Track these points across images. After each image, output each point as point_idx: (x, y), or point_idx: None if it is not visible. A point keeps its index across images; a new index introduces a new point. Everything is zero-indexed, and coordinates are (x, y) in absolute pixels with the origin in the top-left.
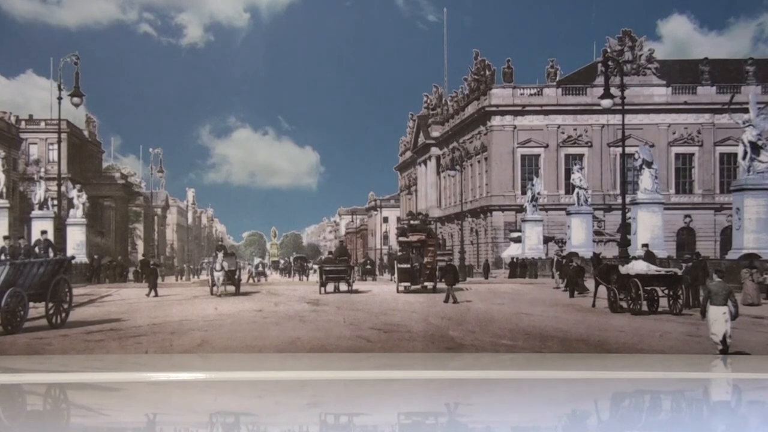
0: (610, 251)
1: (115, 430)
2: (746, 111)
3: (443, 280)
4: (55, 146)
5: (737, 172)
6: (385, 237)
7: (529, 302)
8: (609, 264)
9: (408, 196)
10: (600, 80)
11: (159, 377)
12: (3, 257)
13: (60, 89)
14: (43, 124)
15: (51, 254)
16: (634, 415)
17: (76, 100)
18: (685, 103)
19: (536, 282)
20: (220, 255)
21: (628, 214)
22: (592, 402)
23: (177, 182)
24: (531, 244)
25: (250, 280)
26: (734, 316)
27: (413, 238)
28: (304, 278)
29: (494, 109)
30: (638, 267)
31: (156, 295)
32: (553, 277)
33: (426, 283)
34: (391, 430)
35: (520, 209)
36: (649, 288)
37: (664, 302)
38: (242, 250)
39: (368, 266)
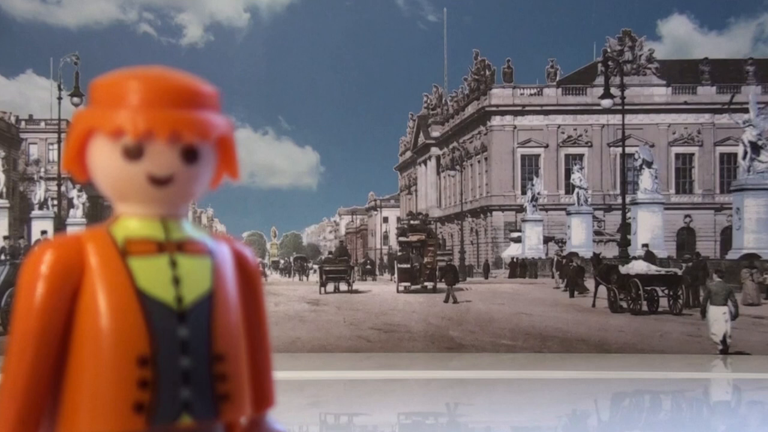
0: (610, 251)
1: None
2: (746, 111)
3: (443, 280)
4: (55, 146)
5: (737, 172)
6: (385, 237)
7: (529, 302)
8: (609, 264)
9: (408, 196)
10: (600, 80)
11: None
12: (3, 257)
13: (60, 89)
14: (43, 124)
15: None
16: (634, 415)
17: (76, 100)
18: (685, 103)
19: (536, 282)
20: None
21: (628, 214)
22: (592, 402)
23: None
24: (531, 244)
25: None
26: (734, 316)
27: (413, 238)
28: (304, 278)
29: (494, 109)
30: (638, 267)
31: None
32: (553, 277)
33: (426, 283)
34: (391, 430)
35: (520, 209)
36: (649, 288)
37: (664, 302)
38: None
39: (368, 266)
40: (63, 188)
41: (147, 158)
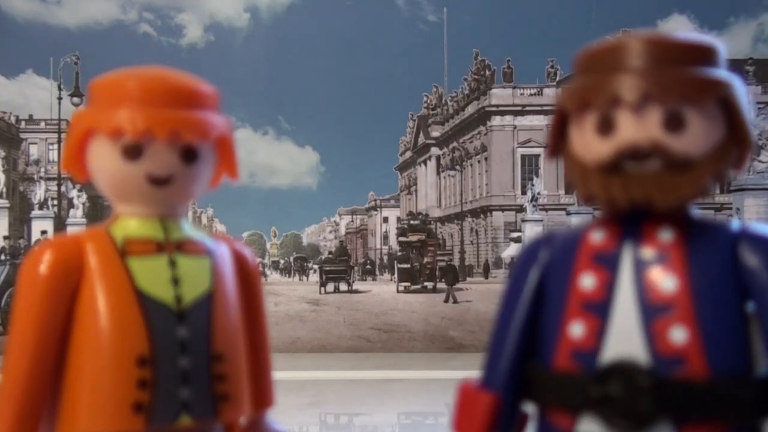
0: None
1: None
2: None
3: (443, 280)
4: (55, 146)
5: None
6: (385, 237)
7: None
8: None
9: (408, 196)
10: None
11: None
12: (3, 257)
13: (60, 89)
14: (43, 124)
15: None
16: None
17: (76, 100)
18: None
19: None
20: None
21: None
22: None
23: None
24: None
25: None
26: None
27: (413, 238)
28: (304, 278)
29: (494, 109)
30: None
31: None
32: None
33: (426, 283)
34: (391, 430)
35: (520, 209)
36: None
37: None
38: None
39: (368, 266)
40: (63, 188)
41: (146, 158)
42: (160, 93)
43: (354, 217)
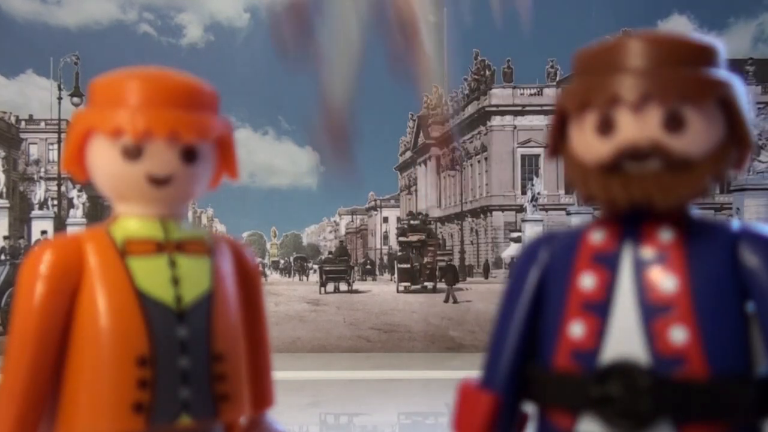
0: None
1: None
2: None
3: (443, 280)
4: (55, 146)
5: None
6: (385, 237)
7: None
8: None
9: (408, 196)
10: None
11: None
12: (3, 257)
13: (60, 89)
14: (43, 124)
15: None
16: None
17: (76, 100)
18: None
19: None
20: None
21: None
22: None
23: None
24: None
25: None
26: None
27: (413, 238)
28: (304, 278)
29: (494, 109)
30: None
31: None
32: None
33: (426, 283)
34: (391, 430)
35: (520, 209)
36: None
37: None
38: None
39: (368, 266)
40: (63, 188)
41: (146, 158)
42: (160, 93)
43: (354, 217)
